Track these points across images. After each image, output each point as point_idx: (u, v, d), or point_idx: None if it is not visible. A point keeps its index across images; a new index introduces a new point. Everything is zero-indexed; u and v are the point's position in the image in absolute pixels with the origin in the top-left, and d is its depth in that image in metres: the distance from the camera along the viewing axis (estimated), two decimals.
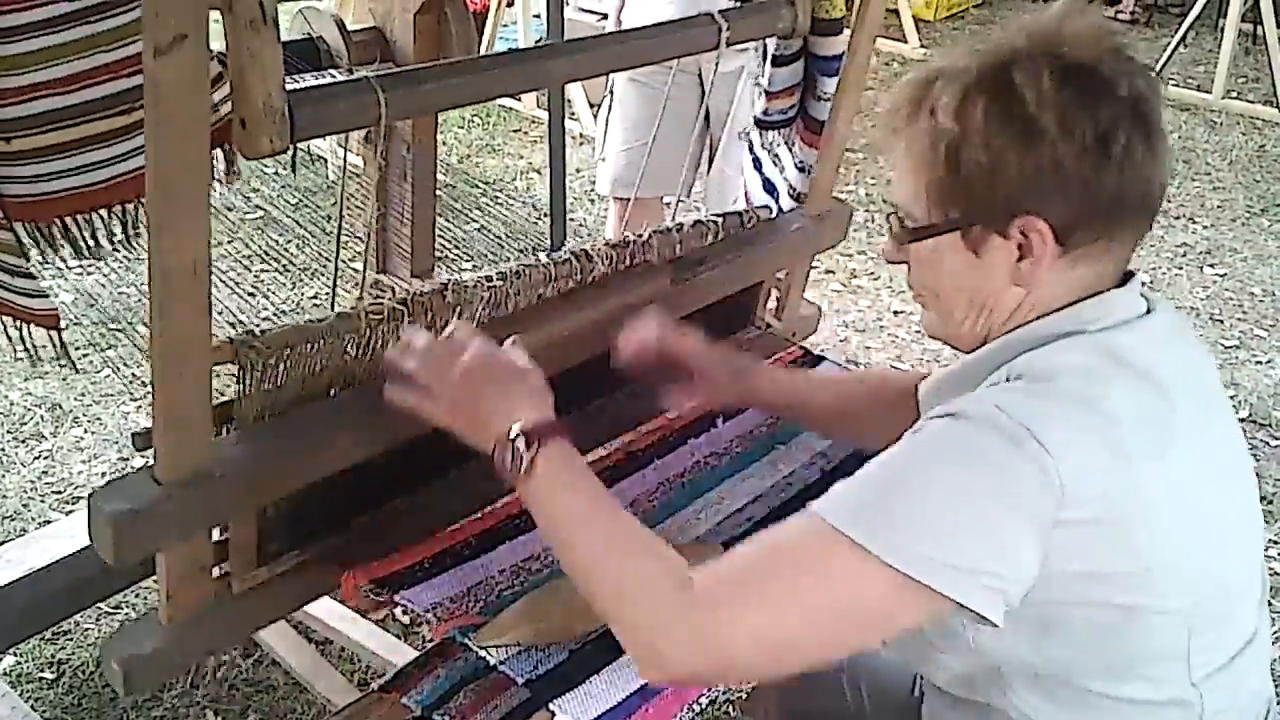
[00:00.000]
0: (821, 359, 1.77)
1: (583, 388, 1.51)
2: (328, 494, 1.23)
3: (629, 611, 0.95)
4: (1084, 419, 0.92)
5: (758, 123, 1.95)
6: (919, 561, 0.88)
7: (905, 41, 5.88)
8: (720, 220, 1.60)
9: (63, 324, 1.38)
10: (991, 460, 0.90)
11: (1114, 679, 0.98)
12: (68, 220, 1.27)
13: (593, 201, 4.03)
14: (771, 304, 1.89)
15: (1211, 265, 3.83)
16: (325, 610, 2.06)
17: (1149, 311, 1.03)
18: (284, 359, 1.15)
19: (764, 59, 1.87)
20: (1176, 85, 5.38)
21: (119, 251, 1.35)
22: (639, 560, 0.97)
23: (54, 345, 1.35)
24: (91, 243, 1.30)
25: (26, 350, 1.34)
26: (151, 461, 1.07)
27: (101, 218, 1.29)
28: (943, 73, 1.01)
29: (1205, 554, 0.98)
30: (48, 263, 1.38)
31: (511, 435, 1.03)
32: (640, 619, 0.94)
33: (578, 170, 4.21)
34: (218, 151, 1.29)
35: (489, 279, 1.31)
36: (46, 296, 1.30)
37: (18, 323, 1.31)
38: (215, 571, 1.21)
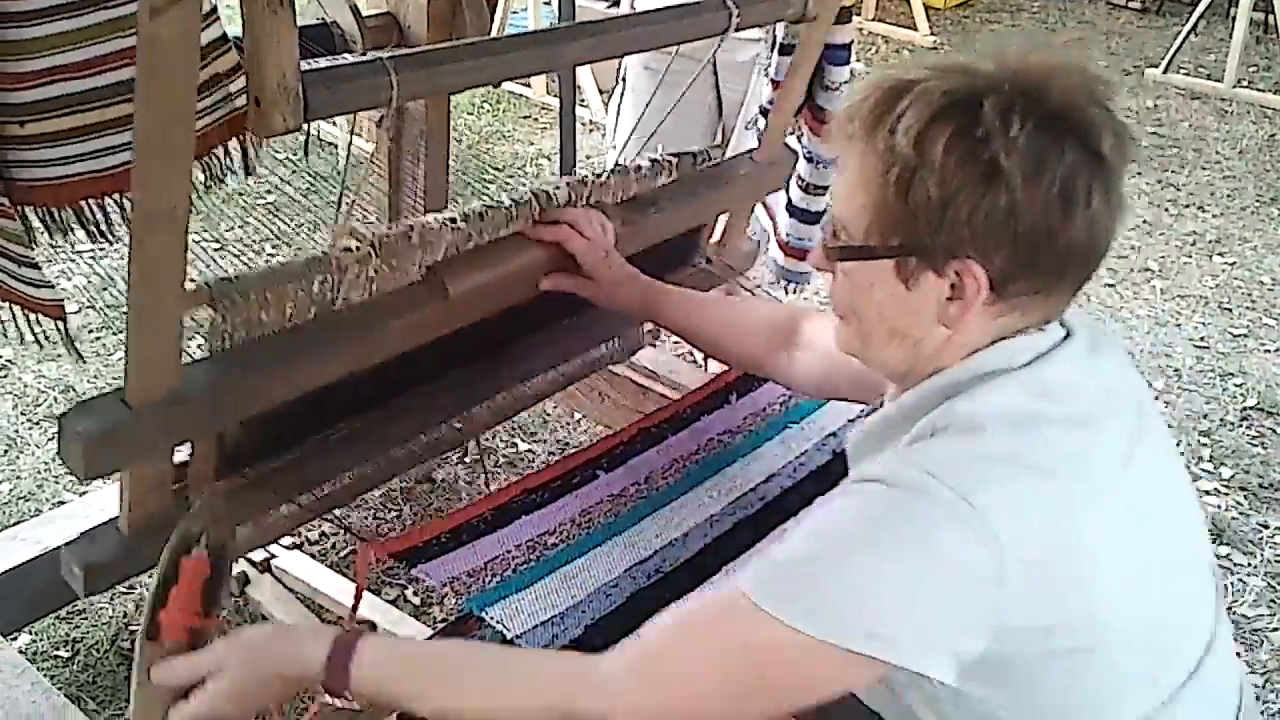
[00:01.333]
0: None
1: (525, 321, 1.58)
2: (279, 417, 1.28)
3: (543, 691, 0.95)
4: (1017, 476, 0.90)
5: (763, 112, 1.96)
6: (861, 637, 0.86)
7: (915, 29, 5.86)
8: (674, 160, 1.64)
9: (76, 307, 1.38)
10: (927, 532, 0.88)
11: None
12: (81, 204, 1.28)
13: None
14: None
15: (1221, 254, 3.82)
16: (338, 588, 2.08)
17: (1067, 336, 1.00)
18: (257, 301, 1.19)
19: (772, 47, 1.88)
20: (1187, 74, 5.37)
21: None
22: (528, 685, 0.97)
23: (60, 335, 1.36)
24: (105, 227, 1.31)
25: (35, 338, 1.35)
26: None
27: (116, 202, 1.29)
28: (910, 89, 0.93)
29: (1154, 583, 0.97)
30: (63, 245, 1.39)
31: (324, 675, 1.00)
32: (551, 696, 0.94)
33: (587, 156, 4.21)
34: (234, 142, 1.30)
35: (452, 220, 1.34)
36: (52, 287, 1.31)
37: (25, 311, 1.32)
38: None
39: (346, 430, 1.42)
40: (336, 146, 3.82)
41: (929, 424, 0.96)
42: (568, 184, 1.47)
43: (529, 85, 4.77)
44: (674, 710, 0.93)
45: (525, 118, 4.64)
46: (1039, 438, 0.92)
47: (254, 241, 3.44)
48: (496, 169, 4.18)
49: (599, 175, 1.51)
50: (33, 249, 1.27)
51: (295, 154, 3.76)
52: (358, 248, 1.25)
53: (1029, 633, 0.90)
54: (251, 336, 1.21)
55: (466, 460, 2.59)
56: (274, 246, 3.42)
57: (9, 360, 2.86)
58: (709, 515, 1.40)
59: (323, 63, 1.33)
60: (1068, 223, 0.91)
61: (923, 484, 0.88)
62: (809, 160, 2.00)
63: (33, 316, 1.32)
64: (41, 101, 1.18)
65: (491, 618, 1.20)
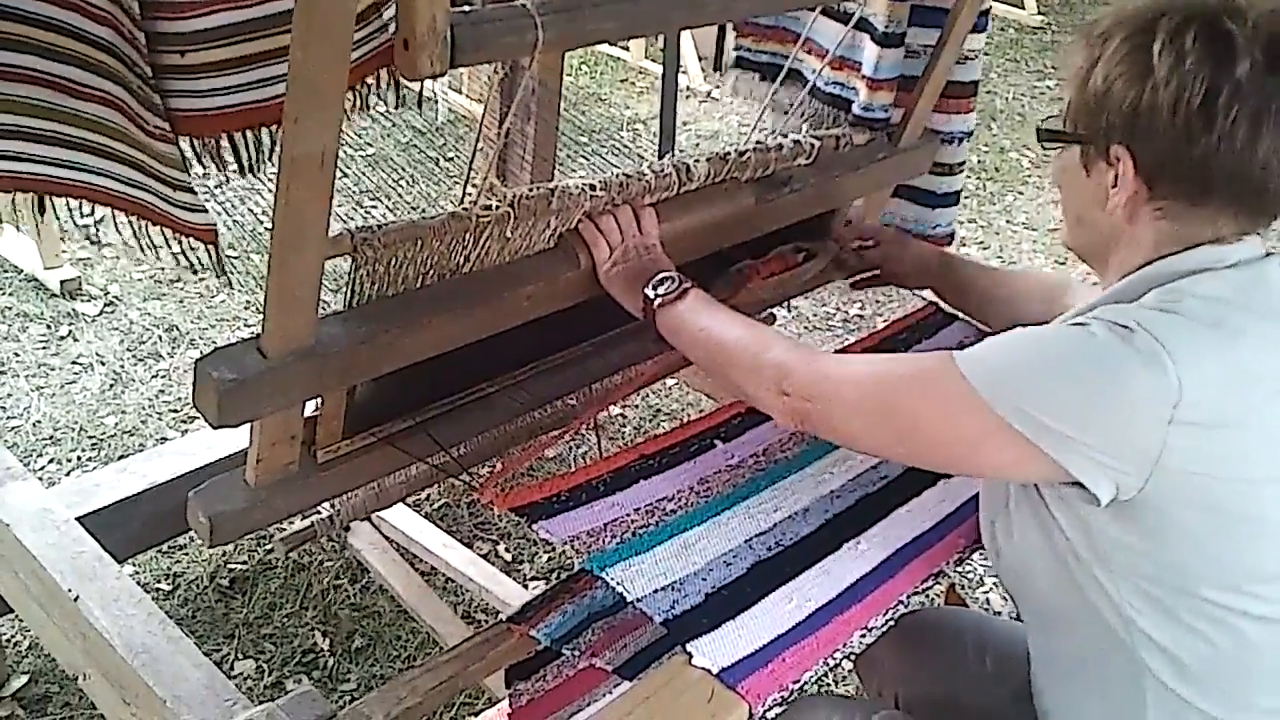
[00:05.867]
0: (954, 318, 1.73)
1: None
2: (410, 378, 1.27)
3: (767, 359, 1.15)
4: (1208, 335, 0.97)
5: (857, 120, 1.90)
6: (1024, 416, 0.97)
7: (1023, 8, 5.71)
8: (817, 142, 1.58)
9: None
10: (1118, 365, 0.96)
11: (1227, 589, 1.00)
12: (235, 135, 1.28)
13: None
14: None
15: None
16: (434, 540, 2.09)
17: (1267, 255, 1.07)
18: (398, 255, 1.17)
19: (850, 24, 1.82)
20: None
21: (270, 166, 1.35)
22: (777, 339, 1.19)
23: (210, 259, 1.37)
24: (257, 158, 1.31)
25: (188, 262, 1.35)
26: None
27: (272, 133, 1.29)
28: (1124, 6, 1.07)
29: None
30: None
31: (666, 274, 1.28)
32: (771, 368, 1.15)
33: (684, 123, 4.17)
34: (384, 73, 1.29)
35: (593, 187, 1.32)
36: (205, 211, 1.31)
37: (176, 235, 1.33)
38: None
39: (473, 396, 1.40)
40: (436, 102, 3.83)
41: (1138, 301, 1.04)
42: (707, 159, 1.43)
43: (627, 48, 4.74)
44: (838, 413, 1.11)
45: (623, 81, 4.61)
46: (1239, 313, 0.99)
47: (353, 193, 3.46)
48: (593, 131, 4.15)
49: (741, 152, 1.47)
50: (188, 173, 1.28)
51: (396, 109, 3.78)
52: (497, 206, 1.23)
53: (1186, 479, 0.96)
54: (385, 290, 1.20)
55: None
56: (372, 199, 3.44)
57: (116, 297, 2.92)
58: (830, 490, 1.37)
59: (468, 8, 1.32)
60: (1201, 135, 0.98)
61: (1127, 326, 0.97)
62: (867, 111, 1.95)
63: (182, 240, 1.32)
64: (202, 31, 1.18)
65: (612, 578, 1.18)
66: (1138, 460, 0.95)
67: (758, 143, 1.55)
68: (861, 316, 3.19)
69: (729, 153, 1.48)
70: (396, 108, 1.35)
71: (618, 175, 1.36)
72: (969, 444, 1.02)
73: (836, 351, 1.66)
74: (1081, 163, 1.09)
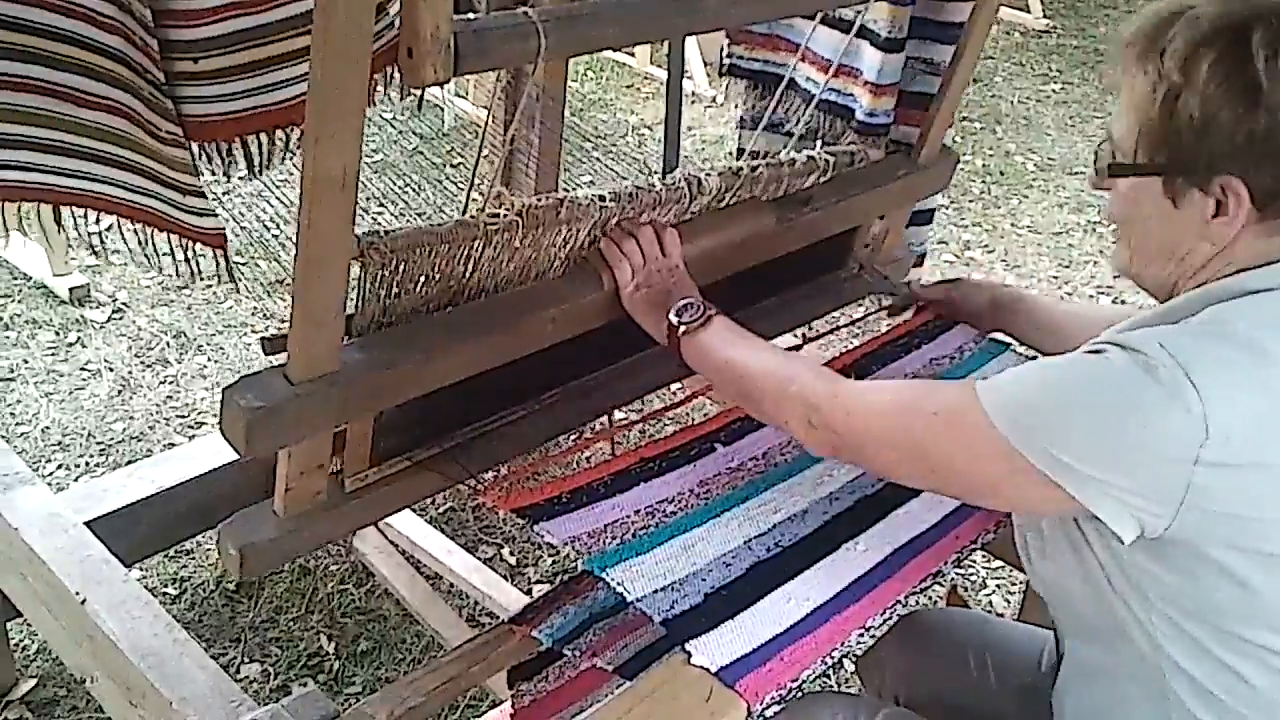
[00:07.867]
0: (954, 323, 1.73)
1: None
2: (438, 403, 1.27)
3: (793, 392, 1.15)
4: (1246, 364, 0.92)
5: (861, 127, 1.90)
6: (1046, 455, 0.94)
7: (1028, 11, 5.71)
8: (830, 159, 1.58)
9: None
10: (1139, 396, 0.91)
11: (1266, 629, 0.97)
12: (248, 139, 1.29)
13: (704, 161, 4.01)
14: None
15: None
16: (438, 545, 2.10)
17: None
18: (405, 261, 1.18)
19: (852, 33, 1.82)
20: None
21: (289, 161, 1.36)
22: (803, 369, 1.19)
23: (219, 264, 1.38)
24: (268, 161, 1.32)
25: (189, 268, 1.37)
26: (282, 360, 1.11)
27: (286, 135, 1.30)
28: (1184, 15, 0.98)
29: None
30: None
31: (689, 300, 1.29)
32: (798, 401, 1.15)
33: (689, 128, 4.18)
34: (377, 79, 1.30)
35: (602, 198, 1.33)
36: (215, 215, 1.33)
37: (184, 241, 1.34)
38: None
39: (501, 421, 1.41)
40: (442, 109, 3.85)
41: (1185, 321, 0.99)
42: (719, 174, 1.43)
43: (632, 54, 4.75)
44: (868, 446, 1.11)
45: (628, 87, 4.63)
46: None
47: (360, 199, 3.48)
48: (599, 137, 4.17)
49: (754, 168, 1.47)
50: (199, 177, 1.29)
51: (401, 115, 3.80)
52: (505, 215, 1.23)
53: (1216, 519, 0.92)
54: (392, 296, 1.20)
55: None
56: (379, 206, 3.45)
57: (124, 304, 2.94)
58: (829, 492, 1.38)
59: (471, 17, 1.33)
60: None
61: (1150, 351, 0.92)
62: (871, 117, 1.95)
63: (190, 246, 1.33)
64: (215, 38, 1.19)
65: (612, 579, 1.19)
66: (1161, 500, 0.92)
67: (771, 159, 1.54)
68: (865, 320, 3.19)
69: (740, 167, 1.48)
70: (381, 103, 1.36)
71: (627, 187, 1.36)
72: (994, 481, 1.00)
73: (842, 355, 1.67)
74: (1166, 195, 1.01)
